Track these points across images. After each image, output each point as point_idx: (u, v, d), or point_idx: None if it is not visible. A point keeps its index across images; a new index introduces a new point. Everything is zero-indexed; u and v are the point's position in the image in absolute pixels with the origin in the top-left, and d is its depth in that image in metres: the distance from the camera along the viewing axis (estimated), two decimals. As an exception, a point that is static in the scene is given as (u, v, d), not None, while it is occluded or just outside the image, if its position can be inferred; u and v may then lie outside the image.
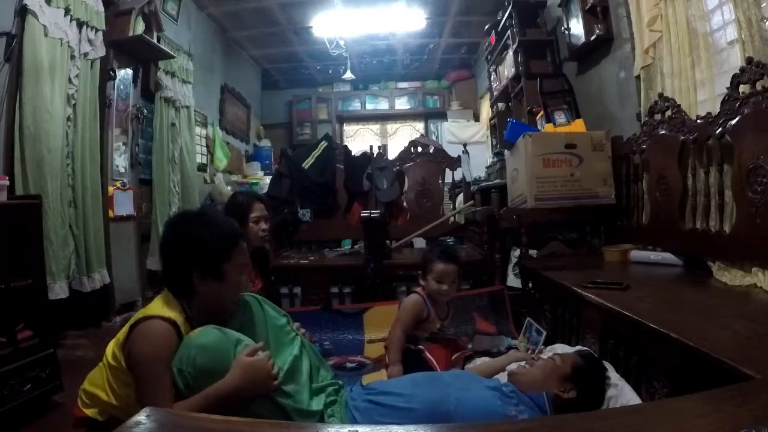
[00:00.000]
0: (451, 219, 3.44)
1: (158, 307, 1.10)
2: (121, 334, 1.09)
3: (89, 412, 1.11)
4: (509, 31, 3.73)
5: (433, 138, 6.60)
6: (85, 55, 2.77)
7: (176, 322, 1.07)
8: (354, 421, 1.11)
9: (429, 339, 1.75)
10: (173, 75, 3.88)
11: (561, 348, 1.58)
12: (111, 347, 1.12)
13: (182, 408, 0.97)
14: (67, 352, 2.33)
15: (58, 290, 2.43)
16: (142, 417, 0.72)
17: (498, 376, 1.44)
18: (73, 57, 2.67)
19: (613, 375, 1.27)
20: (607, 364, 1.31)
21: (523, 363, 1.30)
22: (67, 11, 2.56)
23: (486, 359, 1.73)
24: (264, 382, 1.04)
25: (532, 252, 2.43)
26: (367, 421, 1.10)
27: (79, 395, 1.15)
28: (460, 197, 3.47)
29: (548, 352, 1.55)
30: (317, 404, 1.14)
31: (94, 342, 2.61)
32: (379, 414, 1.12)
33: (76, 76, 2.71)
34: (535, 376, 1.21)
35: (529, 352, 1.75)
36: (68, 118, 2.66)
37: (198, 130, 4.53)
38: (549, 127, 2.81)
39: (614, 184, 2.33)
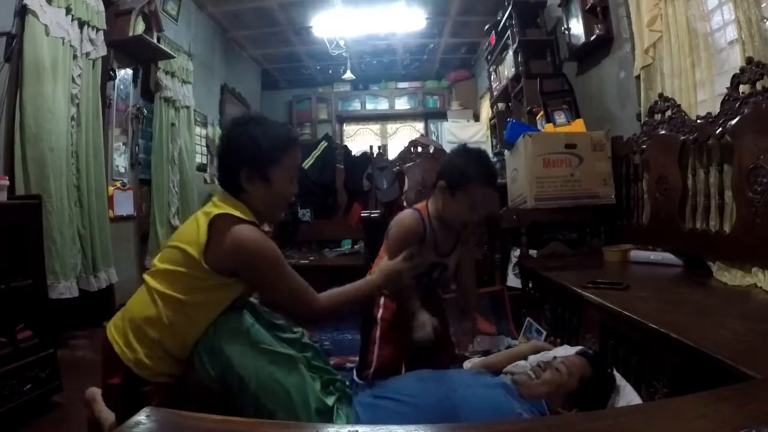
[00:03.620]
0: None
1: (233, 208, 1.11)
2: (194, 232, 1.09)
3: (130, 357, 1.07)
4: (509, 31, 3.73)
5: (433, 138, 6.59)
6: (87, 54, 2.77)
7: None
8: (358, 419, 1.11)
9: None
10: (173, 75, 3.88)
11: (563, 349, 1.58)
12: (174, 254, 1.11)
13: (326, 299, 1.17)
14: (68, 352, 2.32)
15: (63, 289, 2.43)
16: (142, 417, 0.72)
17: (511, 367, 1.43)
18: (75, 57, 2.67)
19: (614, 375, 1.27)
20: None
21: (529, 371, 1.23)
22: (68, 11, 2.56)
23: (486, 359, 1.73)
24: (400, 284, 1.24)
25: (532, 252, 2.43)
26: (372, 419, 1.09)
27: (111, 343, 1.11)
28: (460, 197, 3.47)
29: (551, 352, 1.54)
30: (329, 401, 1.14)
31: (95, 342, 2.61)
32: (384, 411, 1.12)
33: (79, 75, 2.71)
34: (540, 391, 1.16)
35: (549, 340, 1.70)
36: (72, 118, 2.67)
37: (198, 130, 4.53)
38: (549, 127, 2.81)
39: (614, 184, 2.33)
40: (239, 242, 1.06)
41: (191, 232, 1.11)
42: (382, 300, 1.46)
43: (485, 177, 1.38)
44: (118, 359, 1.09)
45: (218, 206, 1.13)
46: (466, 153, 1.47)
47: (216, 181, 4.67)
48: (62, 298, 2.40)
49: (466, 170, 1.37)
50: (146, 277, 1.16)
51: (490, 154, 5.00)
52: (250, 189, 1.15)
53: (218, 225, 1.08)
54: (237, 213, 1.10)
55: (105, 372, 1.14)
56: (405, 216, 1.45)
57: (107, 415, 1.21)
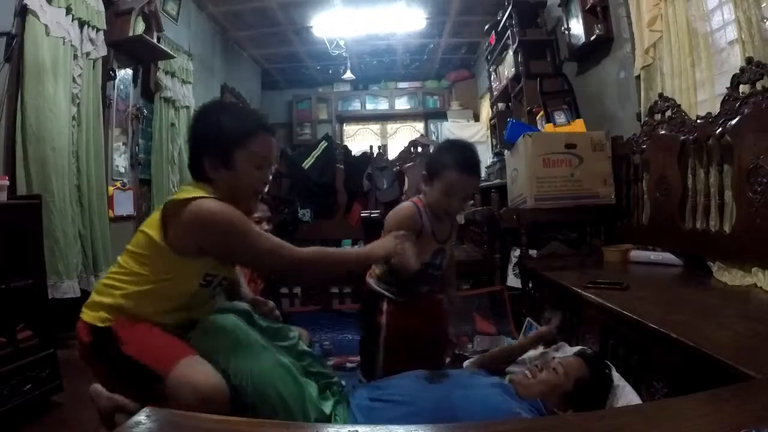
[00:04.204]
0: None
1: (197, 191, 1.09)
2: (155, 217, 1.10)
3: (91, 315, 1.10)
4: (509, 31, 3.73)
5: (433, 138, 6.60)
6: (87, 54, 2.77)
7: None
8: (356, 422, 1.11)
9: (408, 286, 1.42)
10: (173, 75, 3.88)
11: (563, 348, 1.58)
12: (139, 238, 1.12)
13: (307, 251, 1.12)
14: (68, 352, 2.32)
15: (67, 288, 2.43)
16: (142, 417, 0.72)
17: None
18: (76, 56, 2.68)
19: (613, 375, 1.27)
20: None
21: (526, 371, 1.25)
22: (68, 10, 2.56)
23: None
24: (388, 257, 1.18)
25: (532, 252, 2.43)
26: (369, 421, 1.09)
27: (82, 315, 1.13)
28: (460, 197, 3.47)
29: (552, 351, 1.55)
30: (327, 408, 1.14)
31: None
32: (381, 413, 1.12)
33: (79, 75, 2.71)
34: (536, 391, 1.17)
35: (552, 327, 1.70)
36: (73, 118, 2.67)
37: (198, 130, 4.52)
38: (549, 127, 2.81)
39: (614, 184, 2.33)
40: (195, 215, 1.04)
41: (154, 217, 1.11)
42: (385, 306, 1.44)
43: (461, 163, 1.37)
44: (84, 326, 1.11)
45: (180, 192, 1.11)
46: (447, 143, 1.55)
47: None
48: (65, 297, 2.40)
49: (443, 158, 1.41)
50: (118, 257, 1.17)
51: (490, 154, 5.00)
52: (215, 177, 1.12)
53: (172, 206, 1.07)
54: (196, 194, 1.07)
55: (78, 341, 1.14)
56: (401, 206, 1.48)
57: (122, 400, 1.22)
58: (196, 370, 1.00)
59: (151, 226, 1.10)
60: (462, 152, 1.42)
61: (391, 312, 1.43)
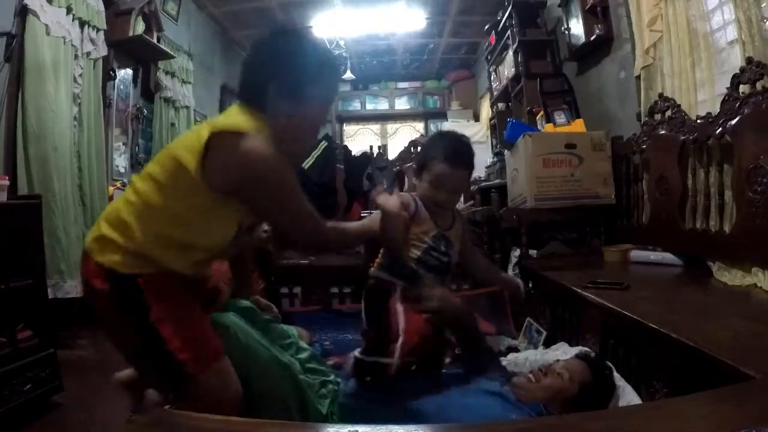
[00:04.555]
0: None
1: (250, 122, 0.97)
2: (194, 141, 0.94)
3: (111, 257, 0.94)
4: (509, 31, 3.73)
5: (433, 138, 6.59)
6: (88, 54, 2.78)
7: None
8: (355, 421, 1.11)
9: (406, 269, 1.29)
10: (173, 75, 3.88)
11: (563, 348, 1.58)
12: (166, 164, 0.97)
13: (333, 228, 1.17)
14: (68, 352, 2.33)
15: (70, 288, 2.44)
16: (142, 417, 0.72)
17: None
18: (76, 56, 2.68)
19: (614, 376, 1.27)
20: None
21: (529, 374, 1.20)
22: (68, 10, 2.57)
23: None
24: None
25: (532, 252, 2.43)
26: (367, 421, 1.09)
27: (90, 249, 0.98)
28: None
29: (552, 351, 1.54)
30: (324, 407, 1.14)
31: (95, 342, 2.61)
32: (377, 413, 1.11)
33: (80, 75, 2.72)
34: (540, 396, 1.13)
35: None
36: (74, 117, 2.67)
37: (198, 130, 4.53)
38: (549, 127, 2.81)
39: (614, 184, 2.33)
40: (246, 154, 0.91)
41: (191, 140, 0.96)
42: (399, 296, 1.25)
43: (449, 154, 1.30)
44: (94, 264, 0.96)
45: (230, 117, 1.00)
46: (437, 134, 1.53)
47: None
48: (67, 297, 2.41)
49: (431, 149, 1.34)
50: (133, 178, 1.04)
51: (490, 154, 4.99)
52: (277, 107, 0.99)
53: (223, 137, 0.93)
54: (250, 126, 0.95)
55: (84, 282, 1.00)
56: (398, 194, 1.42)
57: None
58: (229, 379, 0.96)
59: (187, 150, 0.94)
60: (451, 142, 1.33)
61: (404, 303, 1.29)
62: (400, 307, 1.22)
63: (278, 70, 0.99)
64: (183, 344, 0.92)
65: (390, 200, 1.18)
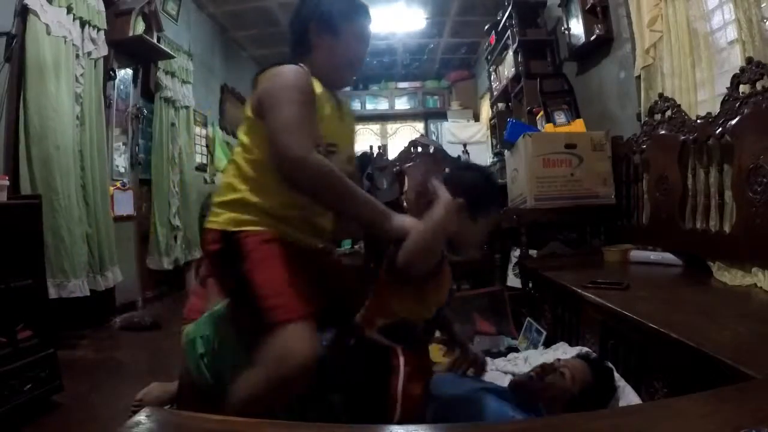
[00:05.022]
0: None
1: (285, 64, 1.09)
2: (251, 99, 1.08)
3: (221, 219, 1.02)
4: (509, 31, 3.73)
5: (433, 138, 6.60)
6: (89, 54, 2.78)
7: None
8: None
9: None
10: (173, 75, 3.88)
11: (563, 348, 1.58)
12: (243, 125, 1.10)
13: (322, 161, 0.96)
14: (68, 352, 2.33)
15: (74, 287, 2.44)
16: (142, 417, 0.72)
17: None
18: (77, 56, 2.68)
19: (615, 377, 1.27)
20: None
21: (531, 373, 1.19)
22: (68, 10, 2.57)
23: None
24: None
25: (532, 252, 2.43)
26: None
27: (207, 223, 1.06)
28: (460, 197, 3.47)
29: (552, 351, 1.54)
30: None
31: (96, 342, 2.61)
32: None
33: (81, 74, 2.72)
34: (543, 396, 1.13)
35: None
36: (76, 117, 2.67)
37: (198, 130, 4.53)
38: (549, 127, 2.81)
39: (614, 184, 2.33)
40: (272, 72, 1.04)
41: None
42: (401, 360, 1.01)
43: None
44: (207, 232, 1.05)
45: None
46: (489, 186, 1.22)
47: (214, 180, 4.71)
48: (71, 296, 2.41)
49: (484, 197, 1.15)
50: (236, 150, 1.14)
51: (490, 154, 5.00)
52: (317, 44, 1.13)
53: (264, 73, 1.07)
54: (287, 65, 1.07)
55: (206, 253, 1.10)
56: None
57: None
58: (309, 340, 0.92)
59: (248, 105, 1.09)
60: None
61: (408, 366, 1.02)
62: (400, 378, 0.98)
63: (314, 12, 1.14)
64: (271, 293, 0.95)
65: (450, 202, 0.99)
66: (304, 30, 1.15)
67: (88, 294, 2.54)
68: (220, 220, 1.03)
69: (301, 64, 1.08)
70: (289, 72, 1.04)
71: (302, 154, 0.95)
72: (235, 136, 5.61)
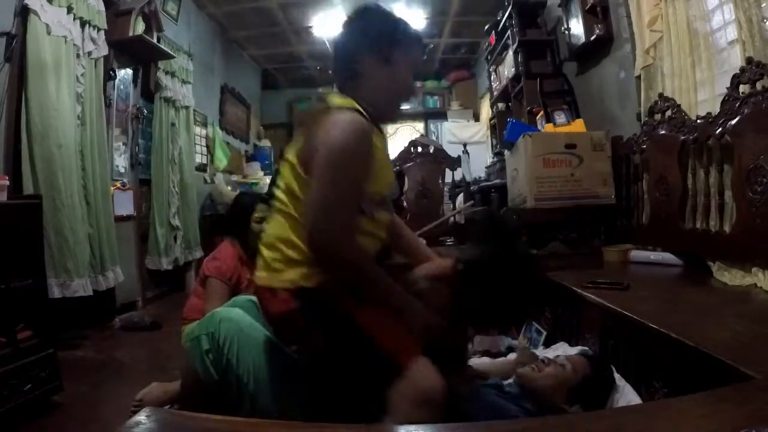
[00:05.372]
0: (451, 219, 3.44)
1: (337, 101, 1.02)
2: (297, 139, 1.01)
3: (290, 276, 0.96)
4: (509, 31, 3.73)
5: (433, 138, 6.59)
6: (89, 54, 2.78)
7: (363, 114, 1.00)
8: None
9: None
10: (173, 75, 3.88)
11: (563, 348, 1.58)
12: (283, 170, 1.02)
13: (365, 257, 0.94)
14: (68, 352, 2.33)
15: (77, 287, 2.44)
16: (142, 417, 0.72)
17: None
18: (78, 56, 2.68)
19: (614, 376, 1.27)
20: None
21: (533, 366, 1.24)
22: (69, 10, 2.57)
23: (486, 359, 1.73)
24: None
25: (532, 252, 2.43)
26: None
27: (262, 281, 1.00)
28: (460, 197, 3.48)
29: (552, 351, 1.54)
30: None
31: (96, 342, 2.61)
32: None
33: (82, 74, 2.72)
34: (544, 384, 1.17)
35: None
36: (78, 117, 2.67)
37: (198, 130, 4.53)
38: (549, 127, 2.81)
39: (614, 184, 2.33)
40: (327, 123, 0.95)
41: (295, 140, 1.03)
42: None
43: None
44: (280, 293, 0.97)
45: (326, 102, 1.04)
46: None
47: (214, 180, 4.71)
48: (75, 296, 2.41)
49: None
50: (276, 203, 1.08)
51: (490, 154, 4.99)
52: (368, 74, 1.06)
53: (315, 117, 0.99)
54: (340, 102, 1.01)
55: (270, 319, 1.04)
56: None
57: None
58: (434, 372, 0.91)
59: (292, 150, 1.01)
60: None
61: None
62: None
63: (369, 39, 1.06)
64: (387, 338, 0.92)
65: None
66: (353, 59, 1.07)
67: (92, 294, 2.54)
68: (285, 278, 0.97)
69: (359, 108, 1.00)
70: (351, 127, 0.94)
71: (337, 246, 0.92)
72: (234, 135, 5.64)
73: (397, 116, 1.19)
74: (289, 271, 0.97)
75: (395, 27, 1.09)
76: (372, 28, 1.08)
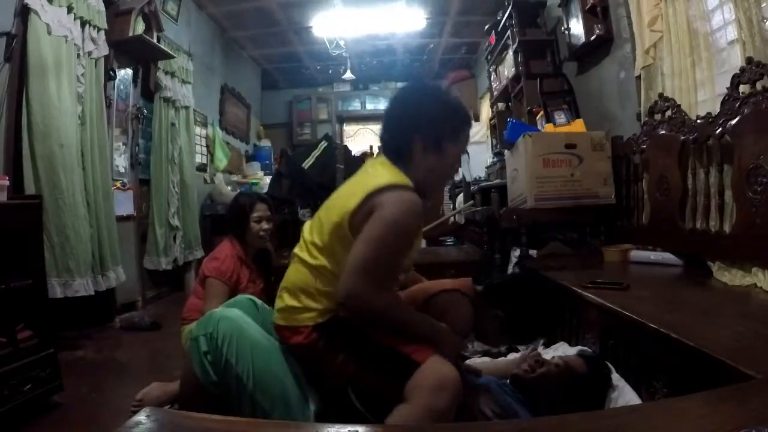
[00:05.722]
0: (451, 219, 3.44)
1: (393, 175, 1.09)
2: (347, 202, 1.07)
3: (308, 316, 1.09)
4: (509, 31, 3.73)
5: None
6: (89, 53, 2.78)
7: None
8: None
9: None
10: (173, 75, 3.88)
11: (562, 348, 1.58)
12: (321, 226, 1.12)
13: (393, 298, 1.10)
14: (68, 352, 2.33)
15: (79, 287, 2.44)
16: (142, 417, 0.72)
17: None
18: (78, 56, 2.68)
19: (613, 376, 1.27)
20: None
21: (526, 366, 1.27)
22: (69, 9, 2.57)
23: (486, 359, 1.73)
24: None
25: (532, 252, 2.43)
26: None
27: (281, 320, 1.13)
28: (460, 197, 3.48)
29: (552, 351, 1.54)
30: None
31: (96, 342, 2.61)
32: None
33: (83, 74, 2.72)
34: (537, 385, 1.19)
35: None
36: (78, 116, 2.67)
37: (198, 130, 4.53)
38: (549, 127, 2.81)
39: (614, 184, 2.33)
40: (391, 198, 1.03)
41: (344, 200, 1.09)
42: None
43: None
44: (290, 330, 1.11)
45: (378, 175, 1.09)
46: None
47: (214, 180, 4.71)
48: (76, 296, 2.41)
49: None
50: (295, 251, 1.19)
51: (490, 154, 4.99)
52: (418, 158, 1.12)
53: (380, 192, 1.05)
54: (398, 179, 1.08)
55: (298, 346, 1.12)
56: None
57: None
58: (448, 365, 1.01)
59: (340, 210, 1.07)
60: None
61: None
62: None
63: (422, 126, 1.12)
64: (403, 343, 1.04)
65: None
66: (407, 138, 1.12)
67: (93, 293, 2.54)
68: (306, 317, 1.09)
69: (411, 185, 1.08)
70: (412, 208, 1.03)
71: (369, 305, 1.03)
72: (234, 135, 5.64)
73: (437, 192, 1.29)
74: (308, 313, 1.09)
75: (452, 117, 1.15)
76: (428, 113, 1.12)
